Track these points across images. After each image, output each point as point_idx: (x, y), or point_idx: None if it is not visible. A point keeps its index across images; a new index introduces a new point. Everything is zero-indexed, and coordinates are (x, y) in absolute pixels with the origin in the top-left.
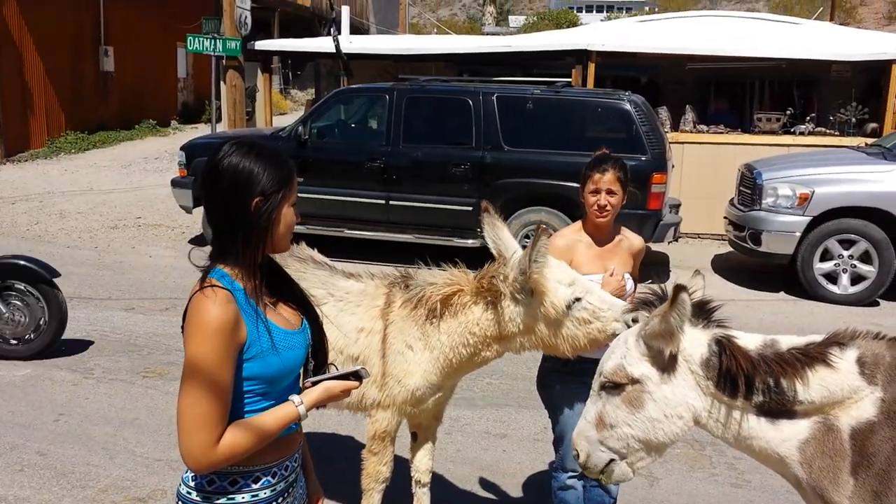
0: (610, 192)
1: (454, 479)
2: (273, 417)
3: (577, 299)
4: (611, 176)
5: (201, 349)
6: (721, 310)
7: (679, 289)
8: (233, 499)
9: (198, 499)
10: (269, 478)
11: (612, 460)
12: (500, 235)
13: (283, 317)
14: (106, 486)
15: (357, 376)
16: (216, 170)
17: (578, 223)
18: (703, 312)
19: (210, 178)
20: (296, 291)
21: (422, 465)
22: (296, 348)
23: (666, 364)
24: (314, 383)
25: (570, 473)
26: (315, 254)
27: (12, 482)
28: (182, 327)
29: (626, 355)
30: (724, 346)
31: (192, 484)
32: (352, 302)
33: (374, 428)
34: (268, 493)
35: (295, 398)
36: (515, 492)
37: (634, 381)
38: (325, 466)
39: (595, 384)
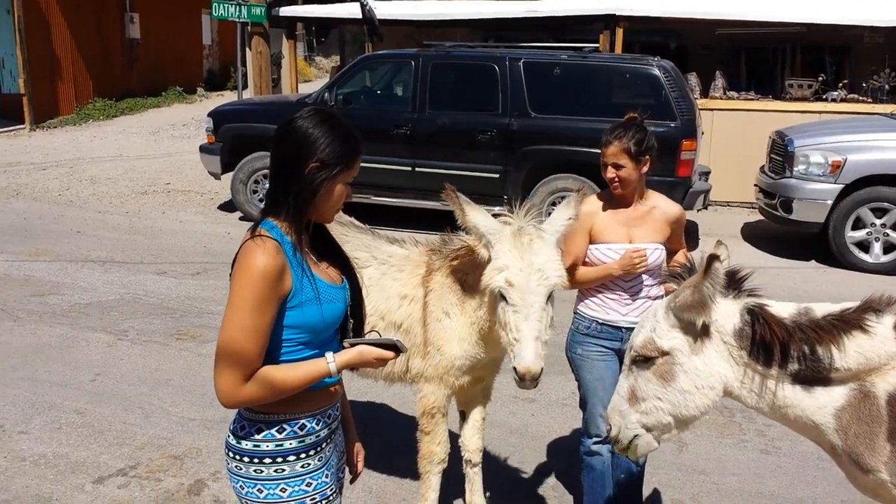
0: (616, 166)
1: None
2: (305, 370)
3: (504, 298)
4: (614, 149)
5: (244, 293)
6: (752, 278)
7: (713, 258)
8: (258, 446)
9: (233, 441)
10: (295, 429)
11: (636, 435)
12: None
13: (326, 272)
14: (142, 443)
15: (395, 348)
16: (288, 128)
17: (609, 189)
18: (734, 282)
19: (280, 134)
20: (339, 252)
21: (471, 444)
22: (336, 302)
23: (697, 335)
24: (352, 345)
25: (595, 439)
26: (354, 220)
27: (51, 439)
28: (230, 274)
29: (655, 328)
30: (758, 315)
31: (231, 428)
32: (395, 266)
33: (422, 404)
34: (294, 443)
35: (329, 355)
36: (544, 455)
37: (664, 354)
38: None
39: (626, 359)
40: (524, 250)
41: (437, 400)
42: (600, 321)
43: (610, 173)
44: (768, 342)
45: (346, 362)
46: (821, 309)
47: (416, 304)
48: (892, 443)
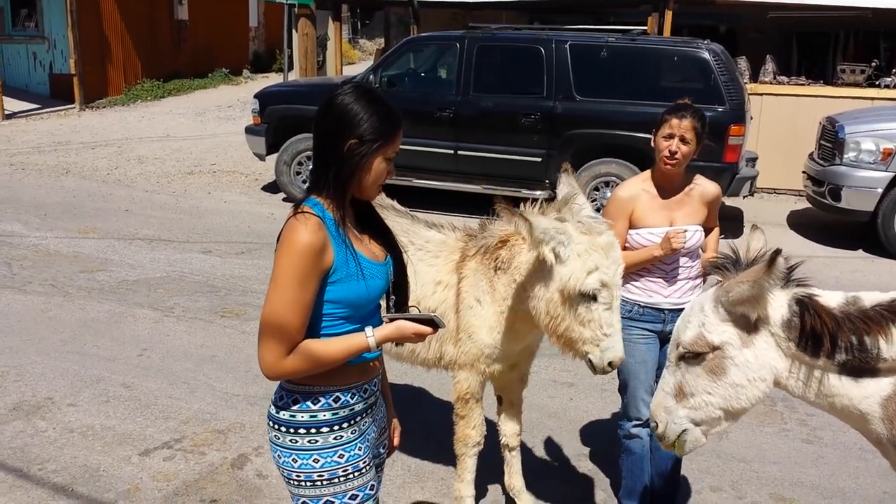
0: (683, 140)
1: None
2: (345, 343)
3: (594, 298)
4: (688, 123)
5: (287, 268)
6: (799, 268)
7: (777, 253)
8: (294, 416)
9: (273, 411)
10: (329, 401)
11: (684, 430)
12: (570, 191)
13: (369, 248)
14: (188, 417)
15: (433, 324)
16: (329, 104)
17: (647, 172)
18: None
19: (322, 111)
20: (384, 229)
21: (509, 428)
22: (377, 278)
23: (749, 328)
24: (391, 320)
25: (635, 422)
26: (395, 203)
27: (98, 412)
28: (275, 250)
29: (704, 323)
30: (807, 306)
31: (272, 399)
32: (430, 252)
33: (457, 390)
34: (328, 415)
35: (368, 330)
36: (583, 438)
37: (715, 349)
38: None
39: (672, 355)
40: (605, 248)
41: (470, 386)
42: (643, 304)
43: (674, 147)
44: (818, 332)
45: (384, 336)
46: (869, 298)
47: (449, 290)
48: None
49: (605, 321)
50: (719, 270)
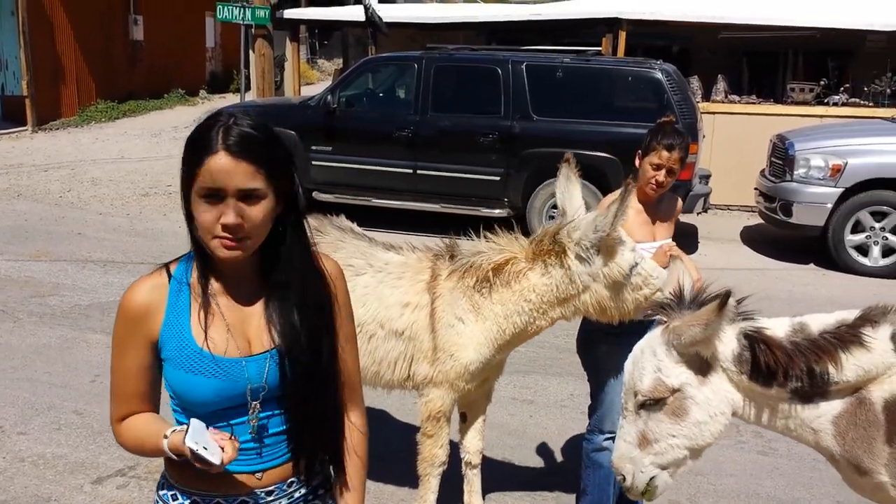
0: (670, 172)
1: None
2: (147, 432)
3: (635, 264)
4: (677, 155)
5: (113, 327)
6: (744, 301)
7: (728, 295)
8: (157, 502)
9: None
10: (186, 502)
11: (652, 477)
12: (571, 191)
13: (241, 332)
14: None
15: (205, 461)
16: None
17: None
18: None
19: None
20: (284, 311)
21: (472, 445)
22: (217, 377)
23: (703, 366)
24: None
25: (608, 435)
26: (355, 226)
27: (50, 440)
28: None
29: (660, 367)
30: (756, 340)
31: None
32: (392, 274)
33: (428, 408)
34: None
35: (176, 428)
36: (542, 456)
37: (675, 391)
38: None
39: (629, 404)
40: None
41: (443, 404)
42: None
43: (661, 177)
44: (772, 367)
45: (174, 446)
46: (816, 323)
47: (420, 310)
48: (892, 445)
49: (648, 271)
50: (664, 310)
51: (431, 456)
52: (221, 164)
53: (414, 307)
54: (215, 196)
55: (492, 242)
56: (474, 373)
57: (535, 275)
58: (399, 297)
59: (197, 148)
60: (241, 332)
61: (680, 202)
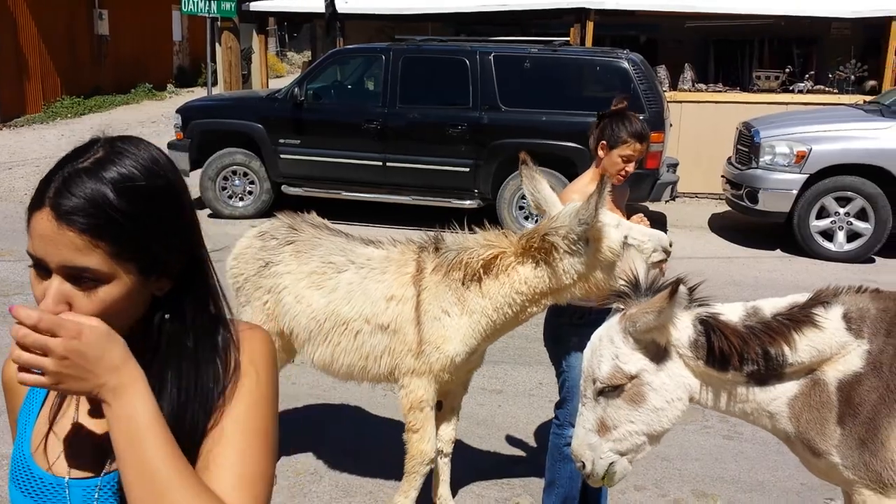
0: (639, 161)
1: None
2: None
3: (624, 237)
4: (643, 146)
5: None
6: (698, 287)
7: (679, 282)
8: None
9: None
10: None
11: (611, 463)
12: (539, 189)
13: (76, 440)
14: None
15: None
16: None
17: (589, 174)
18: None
19: None
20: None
21: (445, 434)
22: (29, 497)
23: (659, 352)
24: None
25: None
26: (328, 222)
27: (3, 442)
28: None
29: (617, 355)
30: (711, 325)
31: None
32: (376, 269)
33: (409, 399)
34: None
35: None
36: (510, 445)
37: (633, 378)
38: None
39: (588, 392)
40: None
41: (425, 393)
42: (596, 308)
43: (630, 168)
44: (727, 352)
45: None
46: (769, 307)
47: (405, 303)
48: (842, 426)
49: (640, 238)
50: (620, 298)
51: (420, 453)
52: (42, 228)
53: (399, 300)
54: (40, 268)
55: (480, 237)
56: (459, 364)
57: (526, 269)
58: (384, 291)
59: (33, 195)
60: (88, 443)
61: (628, 189)
